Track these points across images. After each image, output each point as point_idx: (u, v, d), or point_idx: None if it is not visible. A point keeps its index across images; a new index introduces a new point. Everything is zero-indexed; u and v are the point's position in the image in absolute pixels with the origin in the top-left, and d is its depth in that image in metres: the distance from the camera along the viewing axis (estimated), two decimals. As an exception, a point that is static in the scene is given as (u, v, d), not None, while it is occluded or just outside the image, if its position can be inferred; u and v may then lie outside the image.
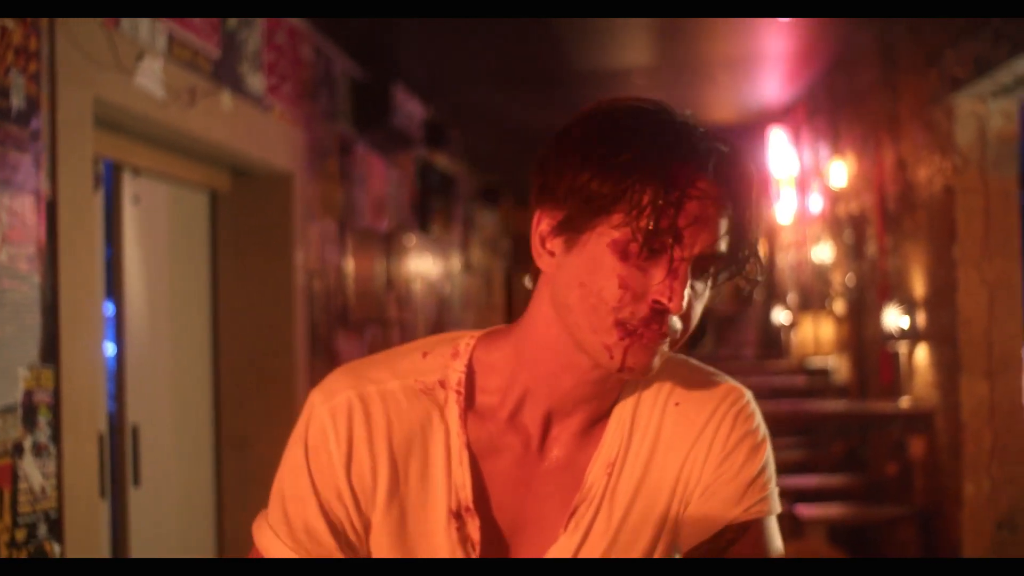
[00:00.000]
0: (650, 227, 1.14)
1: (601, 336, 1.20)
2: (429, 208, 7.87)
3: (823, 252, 7.31)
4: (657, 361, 1.22)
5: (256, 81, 4.67)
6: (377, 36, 5.85)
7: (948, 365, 4.90)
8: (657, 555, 1.33)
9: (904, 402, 5.42)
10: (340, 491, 1.29)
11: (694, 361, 1.40)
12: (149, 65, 3.58)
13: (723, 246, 1.20)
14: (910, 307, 5.31)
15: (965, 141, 4.72)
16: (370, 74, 6.25)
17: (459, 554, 1.29)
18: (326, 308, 5.59)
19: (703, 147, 1.19)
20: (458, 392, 1.32)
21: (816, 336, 7.48)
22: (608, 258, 1.18)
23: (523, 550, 1.33)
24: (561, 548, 1.31)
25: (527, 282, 1.33)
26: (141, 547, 4.23)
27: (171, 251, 4.72)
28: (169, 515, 4.61)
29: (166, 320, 4.65)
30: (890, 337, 5.47)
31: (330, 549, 1.29)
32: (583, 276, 1.20)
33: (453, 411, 1.32)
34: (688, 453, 1.33)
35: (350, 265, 6.01)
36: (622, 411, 1.34)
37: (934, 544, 5.10)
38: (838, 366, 6.99)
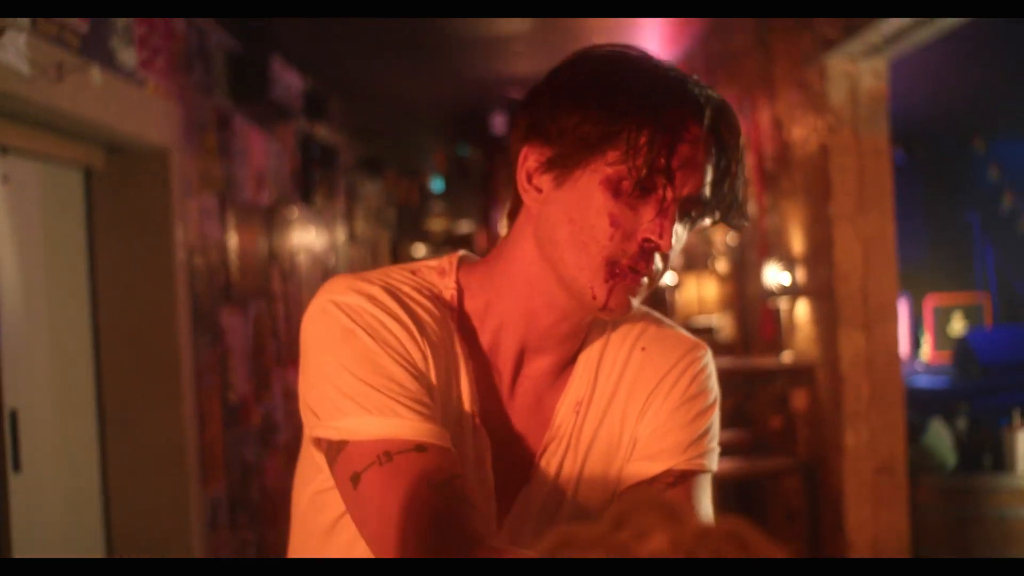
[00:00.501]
0: (645, 166, 1.17)
1: (587, 275, 1.23)
2: (311, 180, 7.78)
3: (704, 213, 7.39)
4: (636, 302, 1.26)
5: (128, 55, 4.55)
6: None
7: (827, 319, 5.02)
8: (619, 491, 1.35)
9: (786, 357, 5.54)
10: (405, 349, 1.24)
11: (662, 316, 1.44)
12: (12, 39, 3.47)
13: (708, 191, 1.25)
14: (789, 264, 5.42)
15: (838, 100, 4.82)
16: (246, 47, 6.14)
17: (476, 458, 1.30)
18: (209, 284, 5.50)
19: (698, 94, 1.25)
20: (452, 308, 1.33)
21: (700, 295, 7.59)
22: (599, 195, 1.20)
23: (502, 482, 1.33)
24: (536, 486, 1.32)
25: (501, 227, 1.35)
26: (23, 534, 4.13)
27: (45, 230, 4.60)
28: (53, 499, 4.52)
29: (42, 301, 4.54)
30: (771, 294, 5.58)
31: (421, 394, 1.22)
32: (573, 212, 1.22)
33: (452, 324, 1.32)
34: (648, 395, 1.36)
35: (232, 240, 5.92)
36: (590, 354, 1.37)
37: (818, 494, 5.23)
38: (722, 324, 7.11)
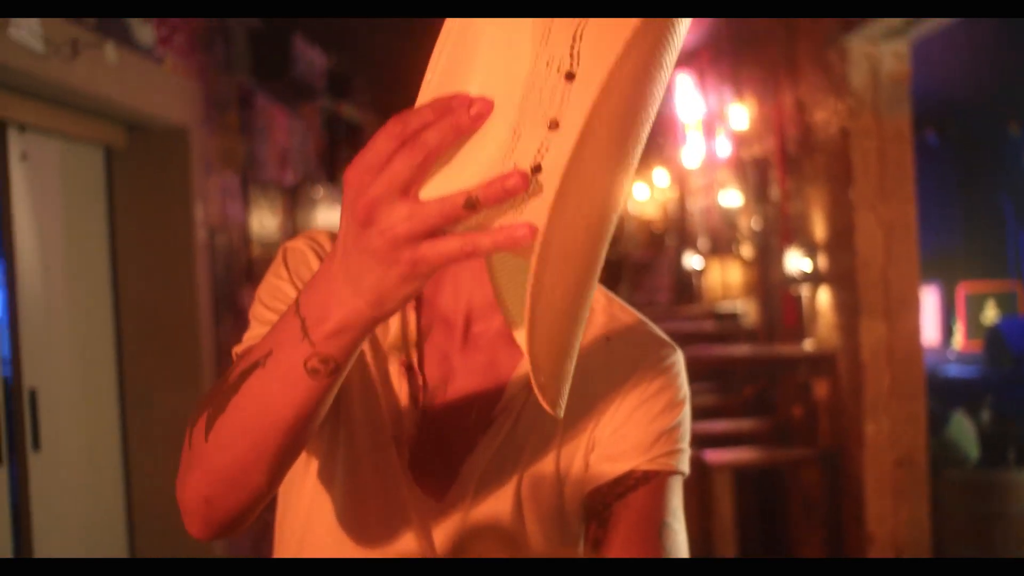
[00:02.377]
0: None
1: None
2: (337, 159, 7.77)
3: (730, 197, 7.35)
4: None
5: (145, 33, 4.55)
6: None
7: (848, 307, 4.96)
8: (569, 485, 1.31)
9: (808, 344, 5.49)
10: None
11: (632, 308, 1.39)
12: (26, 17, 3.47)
13: None
14: (811, 250, 5.36)
15: (859, 83, 4.75)
16: (267, 23, 6.13)
17: (406, 398, 1.29)
18: (229, 263, 5.51)
19: None
20: None
21: (725, 280, 7.54)
22: None
23: (447, 444, 1.30)
24: (478, 456, 1.29)
25: None
26: (44, 512, 4.16)
27: (66, 208, 4.61)
28: (73, 478, 4.54)
29: (62, 280, 4.55)
30: (793, 280, 5.52)
31: None
32: None
33: None
34: (610, 391, 1.31)
35: (254, 219, 5.92)
36: None
37: (838, 485, 5.19)
38: (747, 310, 7.05)
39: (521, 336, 0.92)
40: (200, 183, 5.08)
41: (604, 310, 1.36)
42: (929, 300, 10.73)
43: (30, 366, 4.18)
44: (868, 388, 4.84)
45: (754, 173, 6.58)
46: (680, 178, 9.22)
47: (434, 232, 0.83)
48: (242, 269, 5.71)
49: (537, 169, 0.82)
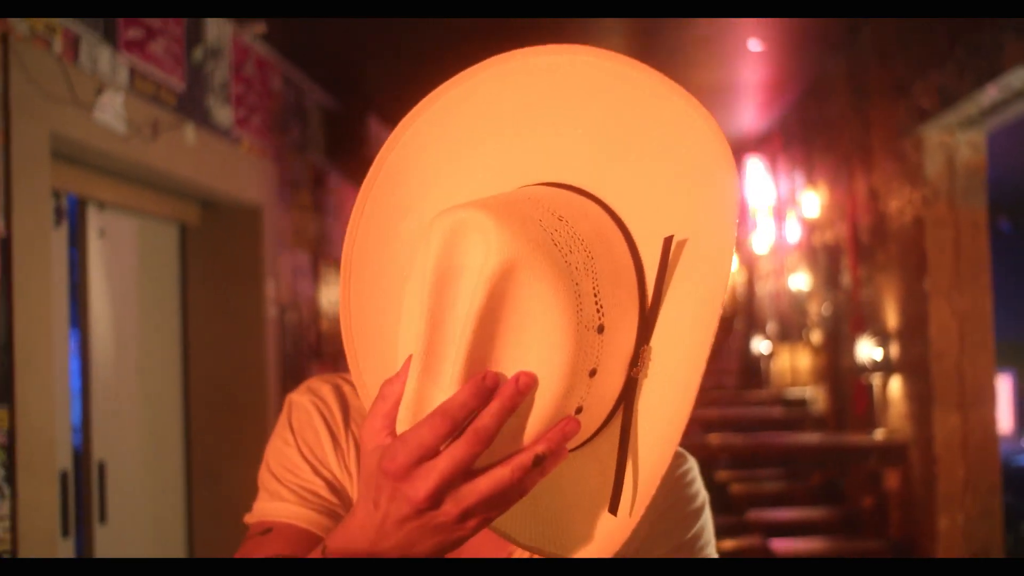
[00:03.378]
0: None
1: None
2: (406, 238, 7.84)
3: (800, 281, 7.30)
4: None
5: (224, 114, 4.64)
6: (349, 67, 5.84)
7: (921, 397, 4.88)
8: None
9: (879, 434, 5.40)
10: (328, 462, 1.28)
11: None
12: (110, 99, 3.55)
13: None
14: (883, 339, 5.29)
15: (934, 172, 4.71)
16: (343, 105, 6.23)
17: None
18: (299, 340, 5.55)
19: None
20: None
21: (794, 366, 7.46)
22: None
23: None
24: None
25: None
26: (105, 586, 4.16)
27: (140, 284, 4.68)
28: (137, 552, 4.55)
29: (135, 353, 4.61)
30: (864, 369, 5.45)
31: (332, 504, 1.26)
32: None
33: None
34: None
35: (324, 296, 5.97)
36: None
37: (909, 578, 5.06)
38: (815, 397, 6.96)
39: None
40: (272, 260, 5.14)
41: None
42: (1003, 388, 10.51)
43: (100, 438, 4.23)
44: (941, 480, 4.74)
45: (825, 259, 6.54)
46: (749, 261, 9.18)
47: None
48: (311, 346, 5.75)
49: (579, 410, 0.88)
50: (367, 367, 1.06)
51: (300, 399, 1.32)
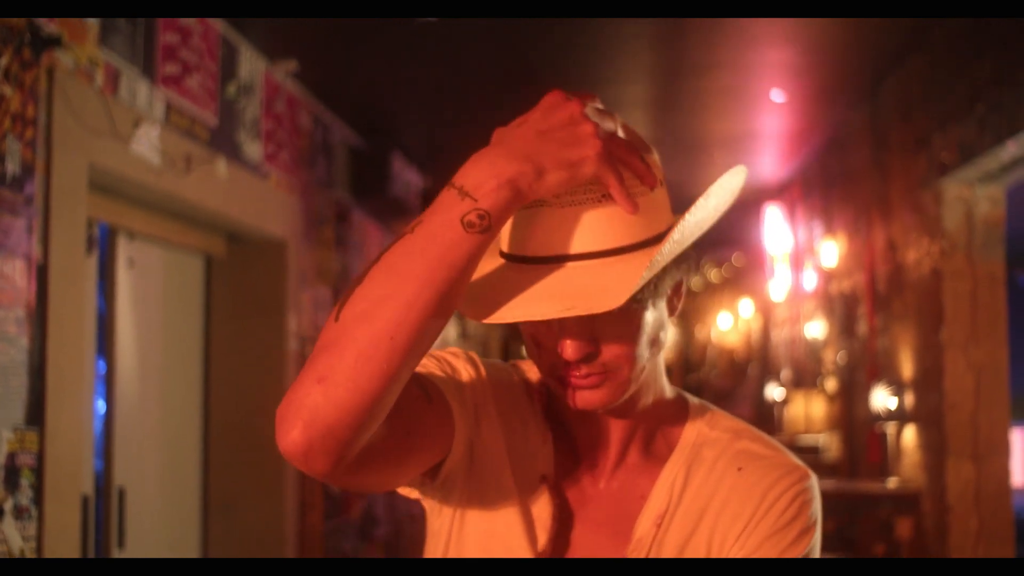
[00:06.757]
0: None
1: (550, 383, 1.29)
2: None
3: (816, 329, 7.33)
4: (606, 395, 1.25)
5: (254, 149, 4.73)
6: (376, 106, 5.93)
7: (935, 447, 4.90)
8: None
9: (892, 483, 5.42)
10: (457, 373, 1.36)
11: (766, 435, 1.40)
12: (146, 132, 3.64)
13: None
14: (898, 388, 5.32)
15: (952, 225, 4.76)
16: (368, 143, 6.31)
17: (534, 522, 1.33)
18: (317, 374, 5.59)
19: None
20: (539, 392, 1.40)
21: (808, 413, 7.47)
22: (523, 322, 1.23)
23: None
24: None
25: None
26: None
27: (165, 313, 4.74)
28: (153, 579, 4.59)
29: (157, 382, 4.67)
30: (878, 417, 5.48)
31: (443, 382, 1.32)
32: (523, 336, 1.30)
33: (538, 407, 1.40)
34: (740, 520, 1.31)
35: (344, 332, 6.02)
36: (675, 463, 1.35)
37: (920, 628, 5.06)
38: (829, 444, 6.98)
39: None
40: (294, 294, 5.21)
41: (734, 441, 1.37)
42: (1017, 441, 10.51)
43: (121, 464, 4.28)
44: (954, 530, 4.75)
45: (841, 308, 6.58)
46: (765, 308, 9.22)
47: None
48: (329, 380, 5.78)
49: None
50: None
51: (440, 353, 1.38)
